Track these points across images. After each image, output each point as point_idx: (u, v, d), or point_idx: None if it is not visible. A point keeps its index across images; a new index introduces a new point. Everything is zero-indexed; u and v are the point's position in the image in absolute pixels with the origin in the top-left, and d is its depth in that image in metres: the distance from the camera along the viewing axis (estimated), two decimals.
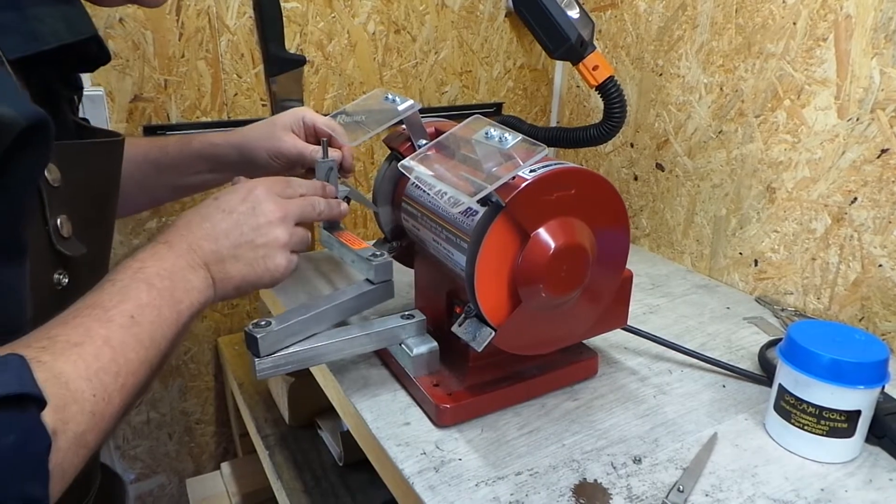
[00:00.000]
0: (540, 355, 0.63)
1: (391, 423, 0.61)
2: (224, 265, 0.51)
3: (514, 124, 0.96)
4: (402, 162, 0.56)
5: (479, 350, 0.55)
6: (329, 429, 0.94)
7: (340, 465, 0.91)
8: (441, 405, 0.59)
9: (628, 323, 0.67)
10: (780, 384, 0.59)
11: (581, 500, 0.52)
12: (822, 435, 0.56)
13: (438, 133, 0.67)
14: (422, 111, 0.69)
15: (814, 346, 0.56)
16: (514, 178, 0.51)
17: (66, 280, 0.46)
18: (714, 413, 0.64)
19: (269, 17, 1.00)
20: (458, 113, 1.21)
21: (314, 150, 0.73)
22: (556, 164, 0.54)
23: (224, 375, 1.17)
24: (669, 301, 0.90)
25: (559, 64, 1.29)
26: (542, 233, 0.53)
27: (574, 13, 0.75)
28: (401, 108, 0.67)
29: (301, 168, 0.77)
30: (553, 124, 1.34)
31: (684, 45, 0.98)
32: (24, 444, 0.32)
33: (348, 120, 0.77)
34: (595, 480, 0.54)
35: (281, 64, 1.03)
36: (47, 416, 0.33)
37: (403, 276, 0.77)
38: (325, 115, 0.78)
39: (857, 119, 0.76)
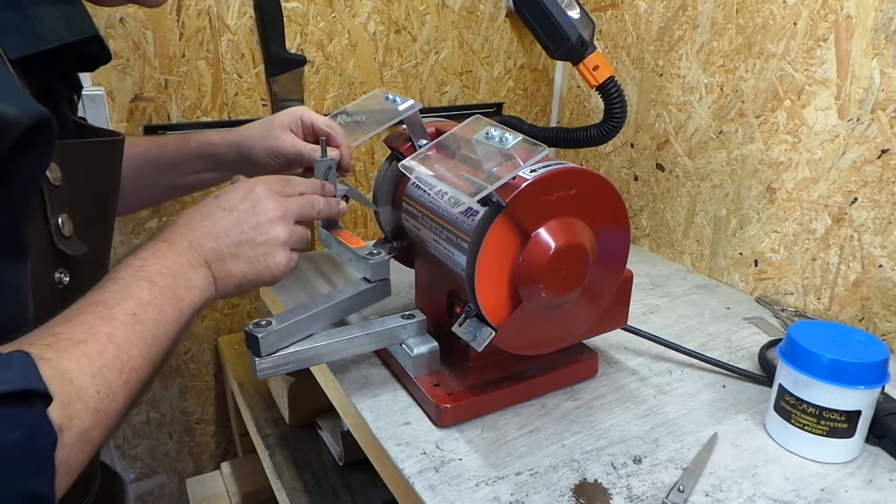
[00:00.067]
0: (540, 355, 0.63)
1: (391, 423, 0.61)
2: (225, 263, 0.52)
3: (514, 124, 0.96)
4: (402, 162, 0.56)
5: (480, 350, 0.55)
6: (329, 429, 0.94)
7: (340, 464, 0.91)
8: (441, 405, 0.59)
9: (628, 323, 0.67)
10: (780, 384, 0.59)
11: (581, 500, 0.52)
12: (822, 435, 0.56)
13: (439, 133, 0.67)
14: (422, 111, 0.69)
15: (814, 347, 0.56)
16: (514, 178, 0.51)
17: (68, 279, 0.46)
18: (714, 413, 0.64)
19: (270, 16, 1.00)
20: (458, 113, 1.21)
21: (312, 149, 0.74)
22: (556, 164, 0.54)
23: (224, 375, 1.17)
24: (669, 301, 0.90)
25: (559, 64, 1.29)
26: (543, 233, 0.53)
27: (574, 13, 0.75)
28: (401, 108, 0.67)
29: (299, 167, 0.77)
30: (553, 124, 1.34)
31: (685, 45, 0.98)
32: (30, 440, 0.32)
33: (349, 120, 0.77)
34: (595, 480, 0.54)
35: (281, 64, 1.03)
36: (53, 413, 0.33)
37: (404, 276, 0.77)
38: (326, 116, 0.78)
39: (858, 119, 0.76)
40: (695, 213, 1.01)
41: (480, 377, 0.63)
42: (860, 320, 0.79)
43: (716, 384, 0.69)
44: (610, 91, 0.77)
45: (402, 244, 0.73)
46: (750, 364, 0.73)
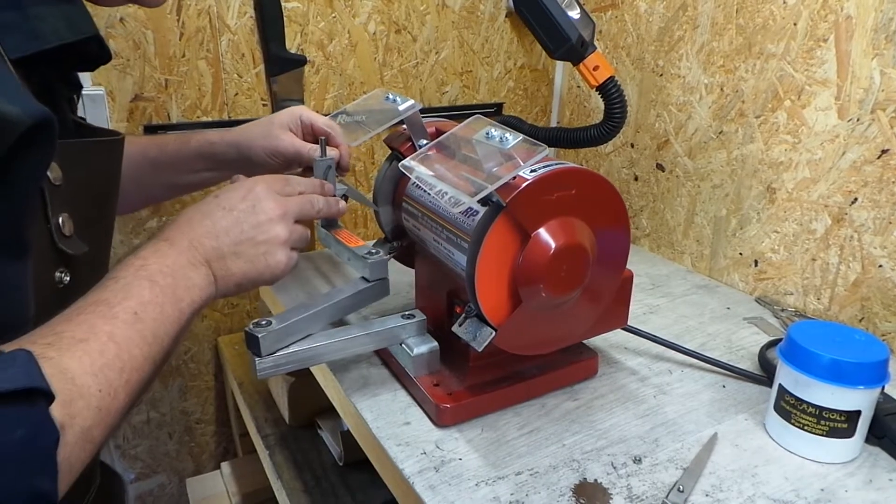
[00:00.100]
0: (540, 355, 0.63)
1: (391, 423, 0.61)
2: (225, 262, 0.52)
3: (514, 124, 0.96)
4: (402, 162, 0.56)
5: (480, 350, 0.55)
6: (329, 428, 0.94)
7: (340, 464, 0.91)
8: (441, 405, 0.59)
9: (628, 323, 0.67)
10: (780, 384, 0.59)
11: (581, 500, 0.52)
12: (822, 435, 0.56)
13: (439, 133, 0.67)
14: (422, 111, 0.69)
15: (814, 347, 0.56)
16: (514, 178, 0.51)
17: (68, 278, 0.47)
18: (714, 413, 0.64)
19: (270, 16, 1.00)
20: (458, 113, 1.21)
21: (311, 149, 0.74)
22: (556, 164, 0.54)
23: (224, 375, 1.17)
24: (669, 301, 0.90)
25: (560, 64, 1.29)
26: (543, 233, 0.53)
27: (575, 13, 0.75)
28: (401, 108, 0.67)
29: (298, 166, 0.77)
30: (553, 124, 1.34)
31: (685, 45, 0.98)
32: (33, 438, 0.32)
33: (349, 120, 0.77)
34: (595, 480, 0.54)
35: (282, 64, 1.03)
36: (55, 411, 0.34)
37: (404, 276, 0.77)
38: (326, 116, 0.78)
39: (858, 119, 0.76)
40: (695, 213, 1.01)
41: (480, 377, 0.63)
42: (860, 320, 0.79)
43: (716, 384, 0.69)
44: (610, 91, 0.77)
45: (403, 244, 0.73)
46: (750, 364, 0.73)
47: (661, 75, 1.03)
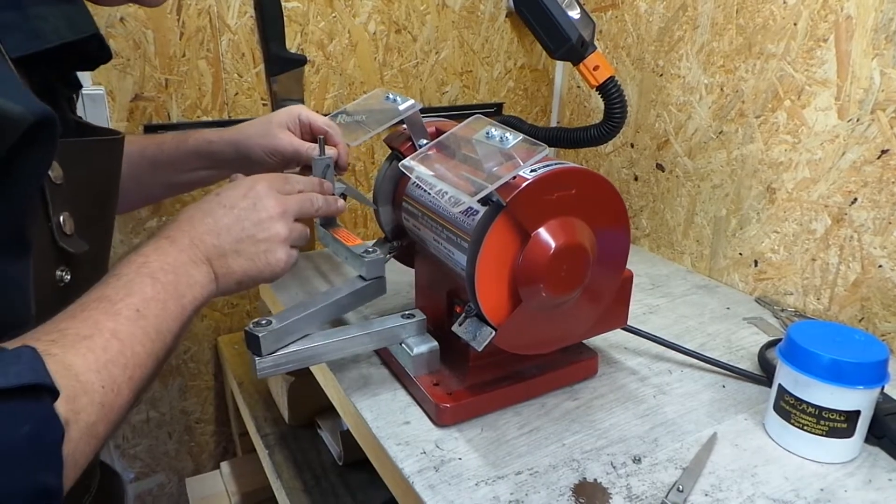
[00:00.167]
0: (540, 355, 0.63)
1: (391, 423, 0.61)
2: (226, 260, 0.52)
3: (514, 124, 0.96)
4: (402, 162, 0.56)
5: (480, 350, 0.55)
6: (329, 428, 0.94)
7: (340, 464, 0.91)
8: (441, 404, 0.59)
9: (628, 323, 0.68)
10: (779, 384, 0.59)
11: (581, 500, 0.52)
12: (821, 435, 0.56)
13: (439, 133, 0.67)
14: (422, 111, 0.69)
15: (813, 347, 0.56)
16: (514, 177, 0.51)
17: (69, 277, 0.47)
18: (714, 413, 0.64)
19: (270, 16, 1.00)
20: (458, 113, 1.21)
21: (310, 148, 0.74)
22: (556, 164, 0.54)
23: (224, 375, 1.17)
24: (669, 301, 0.90)
25: (560, 64, 1.29)
26: (543, 232, 0.53)
27: (575, 13, 0.75)
28: (401, 107, 0.67)
29: (297, 165, 0.77)
30: (553, 124, 1.34)
31: (685, 45, 0.98)
32: (38, 433, 0.32)
33: (349, 119, 0.77)
34: (595, 480, 0.54)
35: (282, 63, 1.03)
36: (60, 407, 0.34)
37: (404, 276, 0.78)
38: (326, 115, 0.78)
39: (858, 120, 0.76)
40: (695, 213, 1.01)
41: (480, 377, 0.63)
42: (860, 320, 0.80)
43: (715, 384, 0.69)
44: (610, 91, 0.77)
45: (403, 244, 0.73)
46: (750, 364, 0.73)
47: (661, 75, 1.03)
